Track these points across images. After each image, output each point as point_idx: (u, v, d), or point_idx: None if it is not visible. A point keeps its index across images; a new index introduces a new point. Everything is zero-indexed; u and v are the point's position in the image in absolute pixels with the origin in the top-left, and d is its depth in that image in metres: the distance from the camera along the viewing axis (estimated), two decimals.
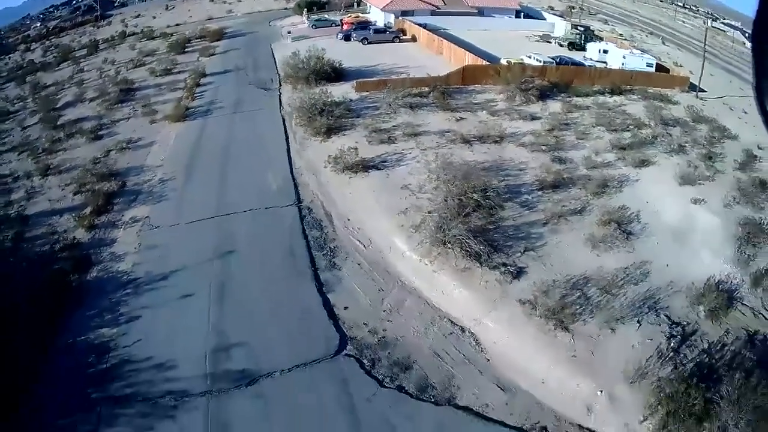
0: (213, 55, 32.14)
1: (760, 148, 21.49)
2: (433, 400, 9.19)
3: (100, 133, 22.63)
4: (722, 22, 62.30)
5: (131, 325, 11.56)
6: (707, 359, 10.77)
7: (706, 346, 11.04)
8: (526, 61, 24.64)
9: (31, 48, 59.08)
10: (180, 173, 17.46)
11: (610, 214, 14.12)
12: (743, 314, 12.26)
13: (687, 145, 20.50)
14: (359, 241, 13.20)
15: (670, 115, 23.25)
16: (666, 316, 11.47)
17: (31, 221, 17.59)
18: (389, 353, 9.98)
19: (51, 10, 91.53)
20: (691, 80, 28.49)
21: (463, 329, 10.59)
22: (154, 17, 52.43)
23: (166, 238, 14.15)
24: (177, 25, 45.01)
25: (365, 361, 9.80)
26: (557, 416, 9.25)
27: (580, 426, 9.21)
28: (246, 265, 12.53)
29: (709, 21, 59.18)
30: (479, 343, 10.30)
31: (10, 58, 57.68)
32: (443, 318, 10.84)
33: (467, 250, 11.70)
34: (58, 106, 28.92)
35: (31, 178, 20.79)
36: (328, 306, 11.11)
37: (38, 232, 16.58)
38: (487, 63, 23.86)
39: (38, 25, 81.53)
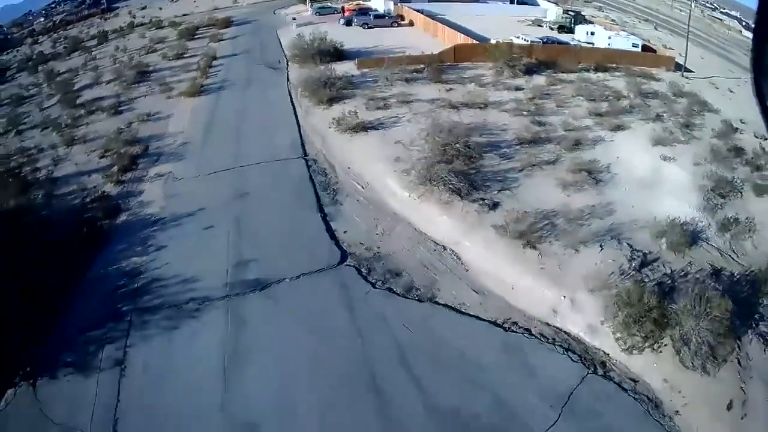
0: (222, 40, 34.69)
1: (742, 122, 23.12)
2: (417, 298, 11.43)
3: (120, 108, 25.10)
4: (721, 12, 64.39)
5: (159, 253, 13.83)
6: (669, 281, 12.00)
7: (668, 271, 12.33)
8: (515, 41, 26.90)
9: (39, 41, 62.08)
10: (198, 137, 19.85)
11: (582, 164, 16.28)
12: (708, 252, 13.64)
13: (665, 114, 22.43)
14: (358, 183, 15.53)
15: (651, 89, 25.33)
16: (628, 244, 13.16)
17: (59, 182, 20.00)
18: (382, 264, 12.25)
19: (53, 5, 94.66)
20: (679, 62, 30.63)
21: (444, 248, 12.83)
22: (161, 8, 55.18)
23: (188, 187, 16.51)
24: (184, 15, 47.69)
25: (362, 270, 12.07)
26: (526, 315, 11.37)
27: (547, 324, 11.32)
28: (260, 203, 14.86)
29: (707, 10, 61.48)
30: (458, 258, 12.54)
31: (17, 51, 60.67)
32: (428, 240, 13.10)
33: (450, 187, 13.97)
34: (75, 88, 31.43)
35: (56, 148, 23.17)
36: (330, 231, 13.42)
37: (67, 189, 18.93)
38: (477, 42, 26.18)
39: (42, 20, 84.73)
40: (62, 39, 54.98)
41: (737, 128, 22.42)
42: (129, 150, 19.81)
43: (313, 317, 11.02)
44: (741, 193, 17.00)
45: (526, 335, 10.81)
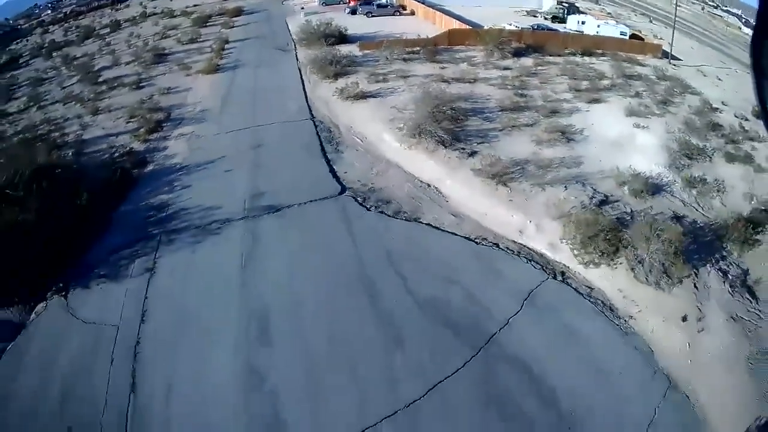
0: (233, 27, 38.00)
1: (724, 104, 25.08)
2: (404, 218, 14.26)
3: (141, 84, 28.14)
4: (723, 9, 67.34)
5: (184, 191, 16.71)
6: (628, 217, 13.96)
7: (627, 210, 14.36)
8: (507, 27, 29.91)
9: (50, 31, 65.78)
10: (217, 106, 22.88)
11: (557, 127, 19.02)
12: (671, 201, 15.45)
13: (644, 93, 24.99)
14: (358, 138, 18.46)
15: (635, 72, 28.01)
16: (592, 188, 15.31)
17: (88, 143, 22.92)
18: (375, 195, 15.11)
19: None
20: (667, 50, 33.27)
21: (429, 185, 15.68)
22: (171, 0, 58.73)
23: (209, 143, 19.47)
24: (195, 5, 51.09)
25: (358, 198, 14.93)
26: (495, 234, 14.09)
27: (513, 241, 14.03)
28: (273, 153, 17.81)
29: (708, 8, 64.42)
30: (440, 192, 15.37)
31: (27, 40, 64.34)
32: (415, 179, 15.95)
33: (436, 139, 16.84)
34: (94, 69, 34.64)
35: (82, 118, 26.12)
36: (333, 172, 16.34)
37: (96, 148, 21.86)
38: (470, 27, 29.21)
39: (49, 12, 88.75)
40: (74, 28, 58.41)
41: (717, 108, 24.03)
42: (153, 116, 22.82)
43: (317, 232, 13.87)
44: (710, 158, 18.65)
45: (494, 248, 13.56)
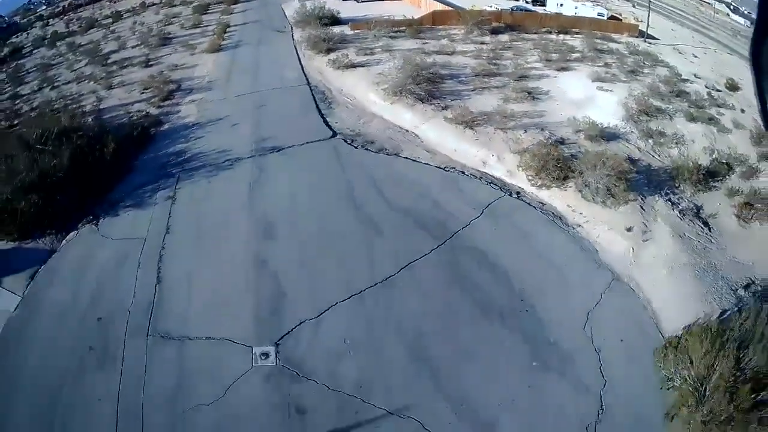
0: (232, 14, 41.85)
1: (696, 77, 27.95)
2: (386, 154, 17.89)
3: (149, 63, 31.73)
4: None
5: (198, 141, 20.26)
6: (581, 154, 16.75)
7: (581, 150, 17.22)
8: (486, 9, 33.68)
9: (50, 24, 69.62)
10: (222, 77, 26.60)
11: (524, 88, 22.60)
12: (627, 147, 18.06)
13: (613, 64, 28.10)
14: (347, 98, 22.20)
15: (607, 47, 31.54)
16: (550, 132, 18.66)
17: (105, 111, 26.46)
18: (362, 137, 18.79)
19: None
20: (644, 30, 36.61)
21: (407, 130, 19.35)
22: None
23: (217, 105, 23.12)
24: None
25: (347, 140, 18.57)
26: (462, 165, 17.58)
27: (477, 170, 17.48)
28: (274, 110, 21.52)
29: None
30: (417, 135, 19.03)
31: (28, 33, 68.14)
32: (396, 126, 19.63)
33: (415, 96, 20.49)
34: (103, 53, 38.31)
35: (96, 92, 29.73)
36: (326, 122, 20.06)
37: (114, 114, 25.37)
38: (452, 9, 33.02)
39: (44, 7, 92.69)
40: (75, 20, 62.20)
41: (688, 79, 26.30)
42: (165, 87, 26.42)
43: (313, 163, 17.51)
44: (671, 117, 21.16)
45: (460, 174, 17.10)
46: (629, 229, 14.42)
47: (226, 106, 22.70)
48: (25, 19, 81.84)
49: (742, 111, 22.99)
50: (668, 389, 10.28)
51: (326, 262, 13.48)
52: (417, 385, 10.51)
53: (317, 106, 21.53)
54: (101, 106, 26.85)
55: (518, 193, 16.34)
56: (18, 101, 33.48)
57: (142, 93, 26.76)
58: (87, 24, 54.59)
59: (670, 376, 10.42)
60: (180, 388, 10.72)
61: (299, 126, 19.92)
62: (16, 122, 28.72)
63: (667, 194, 15.85)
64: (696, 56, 35.15)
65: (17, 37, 67.30)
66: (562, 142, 18.17)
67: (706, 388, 9.60)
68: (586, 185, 15.59)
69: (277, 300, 12.51)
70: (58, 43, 48.89)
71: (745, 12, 63.32)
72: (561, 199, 15.85)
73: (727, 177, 17.25)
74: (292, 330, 11.67)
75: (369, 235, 14.27)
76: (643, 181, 16.15)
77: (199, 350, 11.58)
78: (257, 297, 12.65)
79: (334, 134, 19.12)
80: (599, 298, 12.45)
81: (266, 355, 11.26)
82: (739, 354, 9.94)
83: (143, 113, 24.20)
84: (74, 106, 28.16)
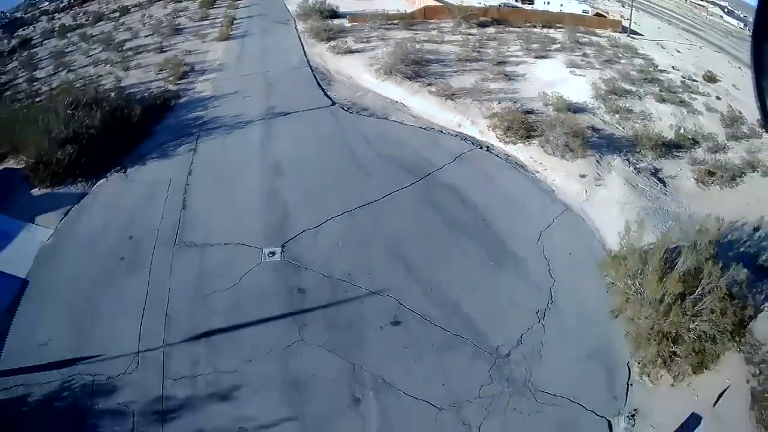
0: (237, 8, 46.37)
1: (674, 68, 31.75)
2: (376, 117, 22.04)
3: (163, 49, 36.05)
4: (707, 0, 76.14)
5: (214, 109, 24.40)
6: (530, 119, 21.05)
7: (548, 118, 20.59)
8: (475, 5, 38.18)
9: (56, 18, 74.34)
10: (232, 61, 30.91)
11: (502, 71, 26.83)
12: (591, 119, 21.51)
13: (591, 54, 32.25)
14: (345, 77, 26.54)
15: (588, 40, 35.78)
16: (521, 104, 22.93)
17: (125, 89, 30.57)
18: (357, 106, 23.03)
19: None
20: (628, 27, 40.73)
21: (396, 101, 23.56)
22: None
23: (229, 82, 27.37)
24: None
25: (343, 108, 22.75)
26: (442, 127, 21.74)
27: (453, 130, 21.51)
28: (281, 86, 25.79)
29: None
30: (404, 105, 23.26)
31: (34, 27, 72.78)
32: (387, 99, 23.86)
33: (404, 75, 24.73)
34: (116, 41, 42.62)
35: (115, 73, 33.93)
36: (326, 94, 24.25)
37: (134, 91, 29.49)
38: (442, 4, 37.52)
39: (47, 3, 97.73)
40: (82, 14, 66.81)
41: (665, 70, 30.10)
42: (180, 68, 30.62)
43: (315, 125, 21.68)
44: (640, 98, 24.24)
45: (439, 133, 21.27)
46: (583, 176, 17.88)
47: (238, 83, 26.92)
48: (29, 14, 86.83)
49: (718, 98, 26.82)
50: (611, 293, 12.81)
51: (325, 192, 17.51)
52: (394, 275, 14.41)
53: (318, 83, 25.77)
54: (121, 85, 31.04)
55: (488, 147, 20.42)
56: (35, 83, 37.68)
57: (159, 73, 30.95)
58: (95, 17, 59.13)
59: (613, 282, 12.84)
60: (201, 280, 14.58)
61: (303, 97, 24.12)
62: (38, 99, 32.93)
63: (626, 156, 19.11)
64: (679, 51, 39.19)
65: (23, 30, 72.03)
66: (531, 112, 22.30)
67: (642, 285, 11.92)
68: (547, 141, 19.53)
69: (283, 218, 16.53)
70: (69, 34, 53.28)
71: (741, 15, 68.04)
72: (525, 152, 19.82)
73: (693, 150, 20.32)
74: (295, 237, 15.66)
75: (360, 174, 18.33)
76: (603, 144, 19.89)
77: (217, 253, 15.50)
78: (267, 216, 16.67)
79: (333, 103, 23.35)
80: (552, 222, 16.23)
81: (273, 253, 15.21)
82: (671, 257, 12.43)
83: (162, 89, 28.36)
84: (94, 85, 32.35)
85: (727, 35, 58.88)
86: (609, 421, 10.96)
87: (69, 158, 20.12)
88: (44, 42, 55.93)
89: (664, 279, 11.62)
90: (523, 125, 20.38)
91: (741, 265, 11.92)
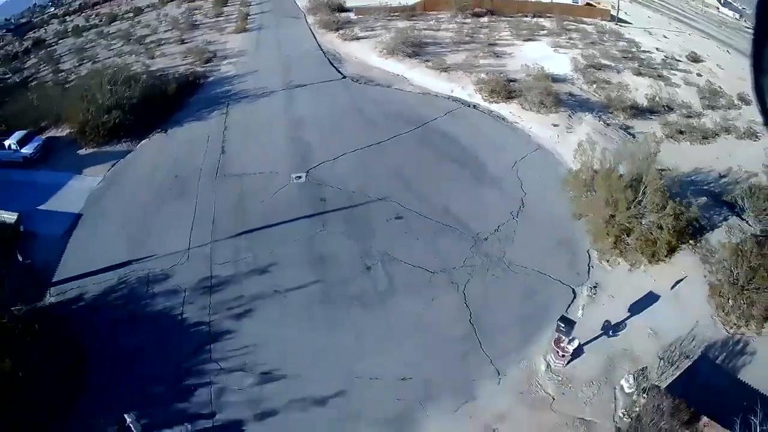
0: (250, 5, 51.93)
1: (658, 50, 37.04)
2: (381, 86, 27.17)
3: (184, 41, 41.34)
4: None
5: (239, 84, 29.95)
6: (512, 86, 27.64)
7: (525, 82, 27.88)
8: None
9: (67, 20, 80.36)
10: (251, 49, 36.51)
11: (491, 51, 31.88)
12: (570, 87, 27.76)
13: (576, 37, 37.50)
14: (354, 58, 32.04)
15: (575, 26, 40.85)
16: (505, 75, 28.54)
17: (155, 72, 35.70)
18: (364, 78, 28.31)
19: None
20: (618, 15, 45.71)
21: (398, 75, 28.81)
22: None
23: (250, 64, 32.92)
24: None
25: (353, 80, 27.90)
26: (436, 93, 27.10)
27: (446, 95, 26.64)
28: (298, 66, 31.21)
29: None
30: (405, 77, 28.44)
31: (46, 30, 78.71)
32: (390, 72, 29.22)
33: (404, 54, 29.90)
34: (137, 36, 47.99)
35: (141, 61, 39.13)
36: (338, 70, 29.56)
37: (164, 73, 34.62)
38: None
39: (52, 9, 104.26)
40: (94, 16, 72.72)
41: (648, 51, 35.15)
42: (204, 55, 35.81)
43: (329, 93, 27.00)
44: (618, 72, 30.09)
45: (433, 96, 26.58)
46: (556, 125, 23.57)
47: (259, 64, 32.39)
48: (37, 18, 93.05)
49: (699, 75, 31.44)
50: (573, 202, 18.05)
51: (339, 138, 22.94)
52: (395, 188, 19.70)
53: (330, 62, 31.06)
54: (150, 69, 36.22)
55: (475, 105, 25.86)
56: (62, 73, 42.84)
57: (185, 59, 36.17)
58: (109, 18, 64.99)
59: (573, 194, 18.27)
60: (241, 199, 19.78)
61: (317, 73, 29.54)
62: (68, 85, 38.00)
63: (598, 114, 24.32)
64: (666, 37, 43.61)
65: (34, 33, 77.92)
66: (514, 80, 27.45)
67: (594, 187, 17.38)
68: (525, 100, 25.12)
69: (306, 154, 22.09)
70: (85, 33, 58.88)
71: (738, 7, 72.53)
72: (506, 108, 25.43)
73: (667, 115, 25.13)
74: (316, 165, 20.91)
75: (368, 125, 23.59)
76: (577, 105, 25.30)
77: (253, 179, 21.01)
78: (293, 154, 22.22)
79: (344, 77, 28.76)
80: (525, 155, 21.70)
81: (299, 176, 20.44)
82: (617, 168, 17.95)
83: (190, 70, 33.48)
84: (126, 67, 37.50)
85: (721, 26, 63.32)
86: (573, 289, 15.40)
87: (114, 121, 25.30)
88: (59, 41, 61.67)
89: (609, 179, 16.33)
90: (506, 89, 25.65)
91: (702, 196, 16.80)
